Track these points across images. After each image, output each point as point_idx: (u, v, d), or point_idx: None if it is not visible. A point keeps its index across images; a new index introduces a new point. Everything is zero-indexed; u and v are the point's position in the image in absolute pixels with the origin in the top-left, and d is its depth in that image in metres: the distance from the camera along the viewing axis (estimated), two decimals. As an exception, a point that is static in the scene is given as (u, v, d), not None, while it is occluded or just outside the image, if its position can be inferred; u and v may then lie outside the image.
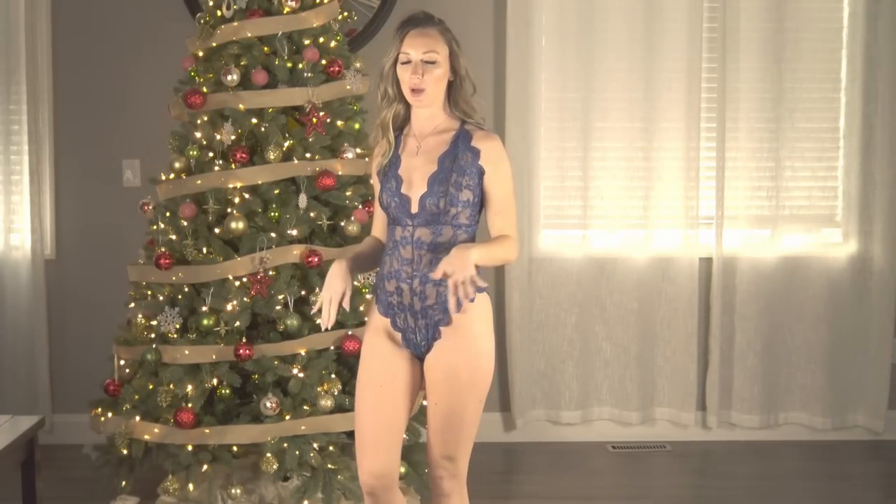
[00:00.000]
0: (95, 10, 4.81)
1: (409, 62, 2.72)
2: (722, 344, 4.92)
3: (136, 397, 3.79)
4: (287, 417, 3.64)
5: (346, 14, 4.24)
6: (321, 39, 3.97)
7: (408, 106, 2.83)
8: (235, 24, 3.88)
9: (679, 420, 4.96)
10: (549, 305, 4.92)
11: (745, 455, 4.80)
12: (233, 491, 3.71)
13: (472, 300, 2.62)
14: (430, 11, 2.81)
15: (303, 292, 3.79)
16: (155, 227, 3.95)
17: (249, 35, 3.87)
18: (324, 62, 3.94)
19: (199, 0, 4.52)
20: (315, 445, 3.66)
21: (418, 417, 3.95)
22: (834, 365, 4.94)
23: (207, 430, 3.66)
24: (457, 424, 2.76)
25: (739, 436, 4.98)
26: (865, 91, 4.83)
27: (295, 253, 3.75)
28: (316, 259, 3.74)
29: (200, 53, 3.98)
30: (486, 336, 2.78)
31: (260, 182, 3.80)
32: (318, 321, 2.89)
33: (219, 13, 3.92)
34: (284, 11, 3.89)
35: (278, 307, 3.73)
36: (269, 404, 3.63)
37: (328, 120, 3.88)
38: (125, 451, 3.74)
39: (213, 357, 3.72)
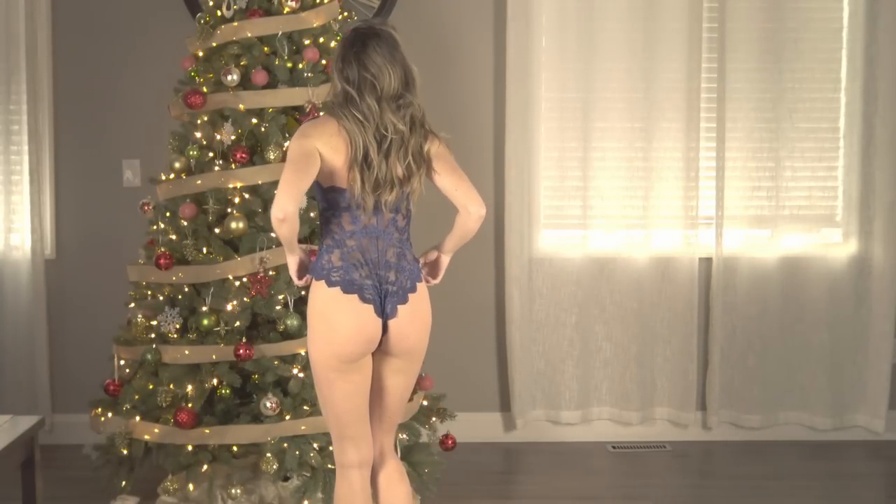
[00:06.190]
0: (95, 10, 4.81)
1: None
2: (722, 344, 4.92)
3: (136, 397, 3.80)
4: (287, 417, 3.64)
5: (346, 14, 4.24)
6: (321, 39, 3.97)
7: None
8: (235, 24, 3.88)
9: (679, 420, 4.96)
10: (549, 305, 4.92)
11: (745, 455, 4.80)
12: (233, 491, 3.71)
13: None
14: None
15: (303, 292, 3.78)
16: (155, 227, 3.95)
17: (249, 35, 3.87)
18: (324, 62, 3.94)
19: (199, 0, 4.52)
20: (315, 445, 3.65)
21: (418, 417, 3.95)
22: (834, 365, 4.94)
23: (207, 430, 3.66)
24: None
25: (739, 436, 4.98)
26: (865, 91, 4.83)
27: (295, 253, 3.75)
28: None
29: (200, 53, 3.98)
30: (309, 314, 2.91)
31: (260, 182, 3.80)
32: None
33: (219, 13, 3.92)
34: (284, 11, 3.89)
35: (278, 307, 3.73)
36: (269, 404, 3.63)
37: (328, 120, 3.87)
38: (125, 451, 3.74)
39: (213, 357, 3.72)
